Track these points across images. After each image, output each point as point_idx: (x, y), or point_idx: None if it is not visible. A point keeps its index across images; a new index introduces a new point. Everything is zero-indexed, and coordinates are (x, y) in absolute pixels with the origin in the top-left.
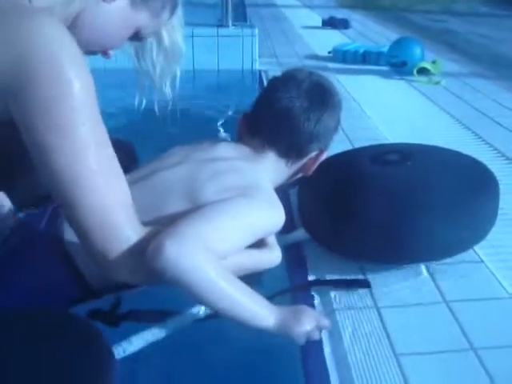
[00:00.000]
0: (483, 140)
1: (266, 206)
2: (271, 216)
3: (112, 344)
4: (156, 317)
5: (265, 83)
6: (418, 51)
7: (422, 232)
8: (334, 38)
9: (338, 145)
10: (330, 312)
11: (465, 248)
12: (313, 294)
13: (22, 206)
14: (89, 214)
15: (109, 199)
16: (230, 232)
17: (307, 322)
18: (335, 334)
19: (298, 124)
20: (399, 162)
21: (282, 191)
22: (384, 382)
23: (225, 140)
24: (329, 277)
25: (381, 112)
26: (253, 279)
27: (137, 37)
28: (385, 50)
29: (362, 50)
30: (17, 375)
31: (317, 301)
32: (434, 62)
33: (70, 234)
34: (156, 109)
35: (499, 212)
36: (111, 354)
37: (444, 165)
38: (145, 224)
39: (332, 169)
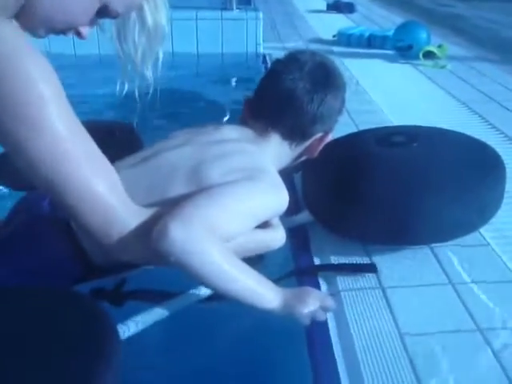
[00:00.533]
0: (490, 124)
1: (271, 189)
2: (275, 198)
3: (116, 323)
4: (160, 297)
5: (269, 66)
6: (423, 35)
7: (428, 214)
8: (338, 22)
9: (342, 128)
10: (335, 293)
11: (471, 230)
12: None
13: (24, 185)
14: (78, 203)
15: (95, 186)
16: (234, 215)
17: (312, 303)
18: (340, 315)
19: (302, 105)
20: (405, 143)
21: (286, 174)
22: (389, 362)
23: (229, 123)
24: (333, 259)
25: (386, 96)
26: (256, 261)
27: (106, 12)
28: (390, 33)
29: (367, 34)
30: (20, 354)
31: (323, 285)
32: (440, 46)
33: None
34: (136, 94)
35: (505, 195)
36: (116, 334)
37: (451, 147)
38: (148, 205)
39: (337, 151)
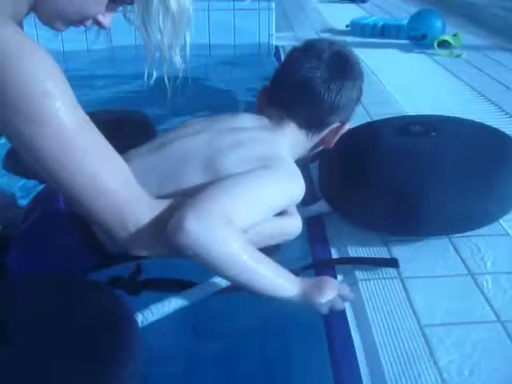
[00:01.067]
0: (507, 113)
1: (287, 177)
2: (292, 187)
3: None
4: (176, 287)
5: (282, 58)
6: (438, 24)
7: (448, 204)
8: (351, 12)
9: (357, 119)
10: (353, 283)
11: (490, 221)
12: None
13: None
14: (89, 199)
15: (106, 181)
16: (251, 205)
17: (330, 292)
18: (358, 305)
19: (318, 94)
20: (423, 133)
21: (303, 164)
22: (409, 352)
23: (244, 112)
24: (351, 249)
25: (401, 86)
26: (273, 252)
27: None
28: (404, 23)
29: (380, 24)
30: (40, 342)
31: (340, 274)
32: (455, 35)
33: None
34: (166, 81)
35: None
36: (135, 323)
37: (469, 136)
38: (162, 193)
39: (354, 140)
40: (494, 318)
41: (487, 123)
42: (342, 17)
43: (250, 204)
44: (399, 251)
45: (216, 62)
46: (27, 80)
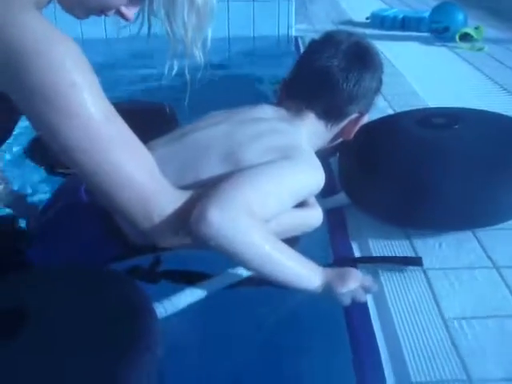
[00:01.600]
0: None
1: (307, 167)
2: (312, 178)
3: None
4: (195, 278)
5: (301, 50)
6: (460, 17)
7: (473, 197)
8: (371, 4)
9: (378, 111)
10: (374, 275)
11: None
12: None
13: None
14: (114, 189)
15: (132, 171)
16: (273, 196)
17: (352, 283)
18: (380, 297)
19: (337, 84)
20: (447, 125)
21: (322, 156)
22: (432, 346)
23: (264, 103)
24: (371, 242)
25: (422, 79)
26: (292, 243)
27: None
28: (425, 15)
29: (401, 16)
30: (59, 331)
31: (360, 266)
32: (476, 28)
33: None
34: (186, 72)
35: None
36: (154, 313)
37: (493, 129)
38: (182, 183)
39: (375, 132)
40: None
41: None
42: (361, 9)
43: (272, 194)
44: (421, 244)
45: (235, 54)
46: (55, 70)
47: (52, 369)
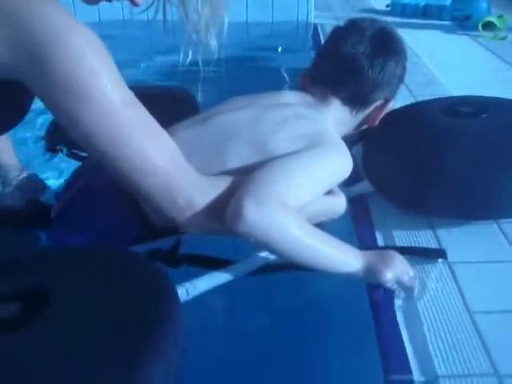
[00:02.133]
0: None
1: (337, 155)
2: (342, 165)
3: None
4: (217, 263)
5: (320, 37)
6: (483, 5)
7: (500, 187)
8: None
9: (401, 99)
10: None
11: None
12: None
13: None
14: (138, 176)
15: (154, 156)
16: (305, 186)
17: (397, 267)
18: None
19: (362, 70)
20: (473, 114)
21: (347, 144)
22: (459, 339)
23: (287, 89)
24: (395, 231)
25: (444, 68)
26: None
27: None
28: (447, 3)
29: (422, 3)
30: (81, 313)
31: None
32: (500, 17)
33: None
34: (200, 62)
35: None
36: (177, 296)
37: None
38: (207, 167)
39: (400, 120)
40: None
41: None
42: None
43: (304, 185)
44: (446, 235)
45: (253, 40)
46: (76, 60)
47: (73, 351)
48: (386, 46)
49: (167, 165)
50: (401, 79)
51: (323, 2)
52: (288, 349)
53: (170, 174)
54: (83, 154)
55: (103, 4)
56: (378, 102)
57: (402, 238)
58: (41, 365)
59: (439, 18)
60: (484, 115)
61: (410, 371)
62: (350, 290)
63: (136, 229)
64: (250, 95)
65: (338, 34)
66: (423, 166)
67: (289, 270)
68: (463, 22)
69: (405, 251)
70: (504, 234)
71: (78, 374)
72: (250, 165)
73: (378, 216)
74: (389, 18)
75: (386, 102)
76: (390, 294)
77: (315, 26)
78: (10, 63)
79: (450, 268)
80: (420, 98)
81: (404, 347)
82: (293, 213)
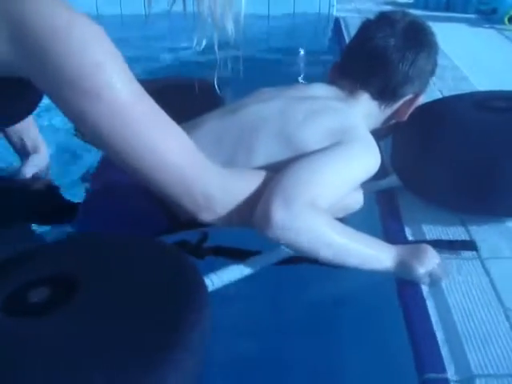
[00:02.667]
0: None
1: (365, 152)
2: (370, 162)
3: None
4: (243, 255)
5: (343, 30)
6: None
7: None
8: None
9: (426, 94)
10: None
11: None
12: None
13: None
14: (154, 173)
15: (168, 153)
16: (335, 187)
17: (430, 261)
18: (436, 287)
19: (392, 64)
20: (507, 109)
21: (376, 138)
22: (494, 337)
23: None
24: (424, 227)
25: (470, 62)
26: None
27: None
28: None
29: None
30: (110, 300)
31: None
32: None
33: None
34: (216, 49)
35: None
36: (205, 286)
37: None
38: (235, 157)
39: (430, 114)
40: None
41: None
42: None
43: (333, 185)
44: (477, 231)
45: (275, 32)
46: (78, 53)
47: (102, 337)
48: (418, 39)
49: (182, 160)
50: (432, 73)
51: None
52: (318, 346)
53: (185, 169)
54: None
55: None
56: (408, 97)
57: (432, 234)
58: (68, 349)
59: (464, 11)
60: None
61: (444, 369)
62: (379, 286)
63: (163, 222)
64: (278, 87)
65: (369, 26)
66: (454, 162)
67: (315, 261)
68: (489, 15)
69: (434, 244)
70: None
71: (107, 359)
72: (277, 156)
73: (407, 211)
74: (412, 11)
75: (416, 96)
76: (421, 290)
77: (337, 19)
78: (11, 60)
79: (483, 264)
80: (446, 93)
81: (438, 345)
82: (322, 214)
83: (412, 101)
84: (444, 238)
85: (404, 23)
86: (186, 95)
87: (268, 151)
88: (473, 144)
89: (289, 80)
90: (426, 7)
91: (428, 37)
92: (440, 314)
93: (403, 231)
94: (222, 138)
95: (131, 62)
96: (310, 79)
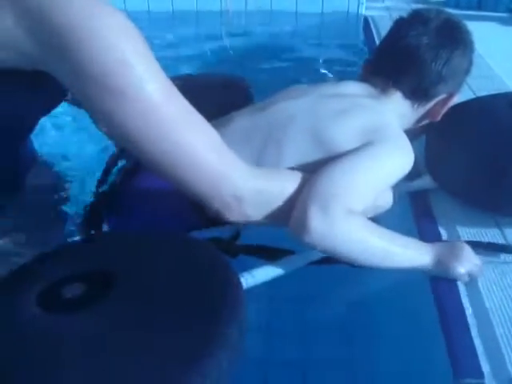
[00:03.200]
0: None
1: (398, 152)
2: (403, 162)
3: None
4: (276, 254)
5: (372, 29)
6: None
7: None
8: None
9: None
10: None
11: None
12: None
13: None
14: (183, 173)
15: (198, 152)
16: (370, 191)
17: (466, 260)
18: (474, 291)
19: (425, 63)
20: None
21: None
22: None
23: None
24: (460, 229)
25: (503, 61)
26: None
27: None
28: None
29: None
30: (147, 298)
31: None
32: None
33: None
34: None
35: None
36: (240, 283)
37: None
38: (264, 153)
39: (465, 114)
40: None
41: None
42: None
43: (369, 188)
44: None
45: (303, 30)
46: (103, 48)
47: (133, 333)
48: (453, 37)
49: (211, 159)
50: (467, 72)
51: None
52: (352, 347)
53: (214, 168)
54: None
55: None
56: (441, 96)
57: (466, 235)
58: (104, 344)
59: (495, 9)
60: None
61: (482, 375)
62: (414, 288)
63: (194, 220)
64: (310, 84)
65: (402, 24)
66: (489, 162)
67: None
68: None
69: (472, 245)
70: None
71: (144, 356)
72: (306, 153)
73: (441, 212)
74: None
75: (450, 96)
76: (459, 293)
77: (366, 18)
78: (36, 55)
79: None
80: (478, 92)
81: (475, 349)
82: (359, 218)
83: (446, 100)
84: (479, 239)
85: (438, 21)
86: (218, 93)
87: (297, 148)
88: (509, 144)
89: (316, 78)
90: (457, 6)
91: (463, 35)
92: (478, 318)
93: (438, 232)
94: (250, 135)
95: (165, 59)
96: (339, 78)
